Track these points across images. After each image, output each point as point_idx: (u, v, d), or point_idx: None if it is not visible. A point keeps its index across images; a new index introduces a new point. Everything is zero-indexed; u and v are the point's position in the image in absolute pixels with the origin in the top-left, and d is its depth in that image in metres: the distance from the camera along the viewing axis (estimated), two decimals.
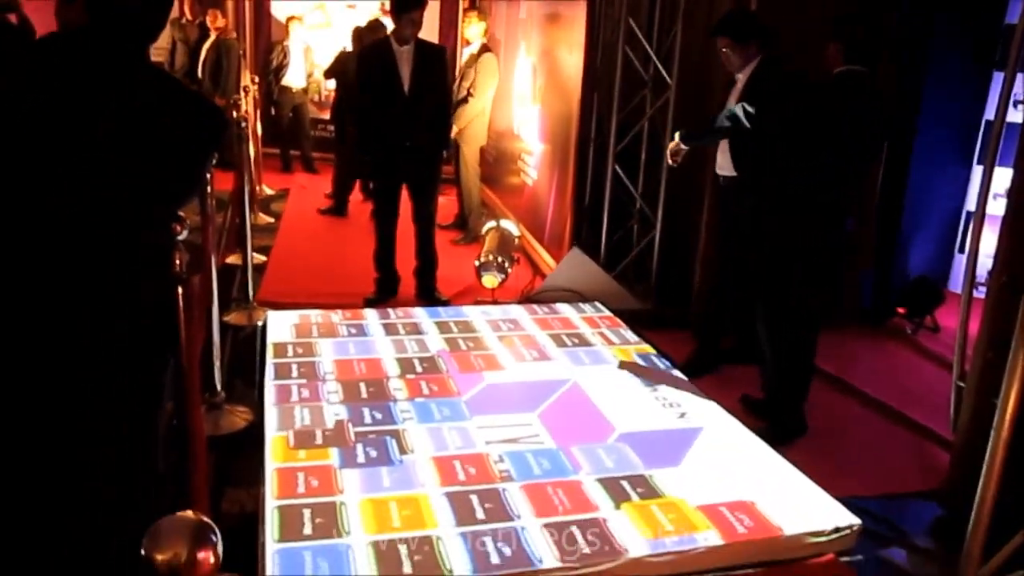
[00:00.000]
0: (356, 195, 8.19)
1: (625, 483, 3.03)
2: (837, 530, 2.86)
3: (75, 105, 1.93)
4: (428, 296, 5.31)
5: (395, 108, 5.00)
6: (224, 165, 5.23)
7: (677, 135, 4.24)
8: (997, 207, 3.67)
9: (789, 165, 3.69)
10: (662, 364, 4.18)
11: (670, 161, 4.33)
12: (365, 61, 5.24)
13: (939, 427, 3.81)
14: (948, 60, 5.20)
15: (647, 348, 4.40)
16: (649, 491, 2.99)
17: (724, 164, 4.25)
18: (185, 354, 2.38)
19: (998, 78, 5.18)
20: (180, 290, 2.36)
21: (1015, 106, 3.92)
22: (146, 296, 2.10)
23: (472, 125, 6.75)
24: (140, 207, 2.04)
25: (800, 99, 3.73)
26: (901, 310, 5.36)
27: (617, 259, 5.64)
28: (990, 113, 5.42)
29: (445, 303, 5.23)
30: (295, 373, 3.80)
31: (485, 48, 6.80)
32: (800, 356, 3.78)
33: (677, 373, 4.06)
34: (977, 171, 5.55)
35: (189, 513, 1.16)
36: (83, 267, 1.97)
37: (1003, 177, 3.98)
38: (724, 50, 4.09)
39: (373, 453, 3.14)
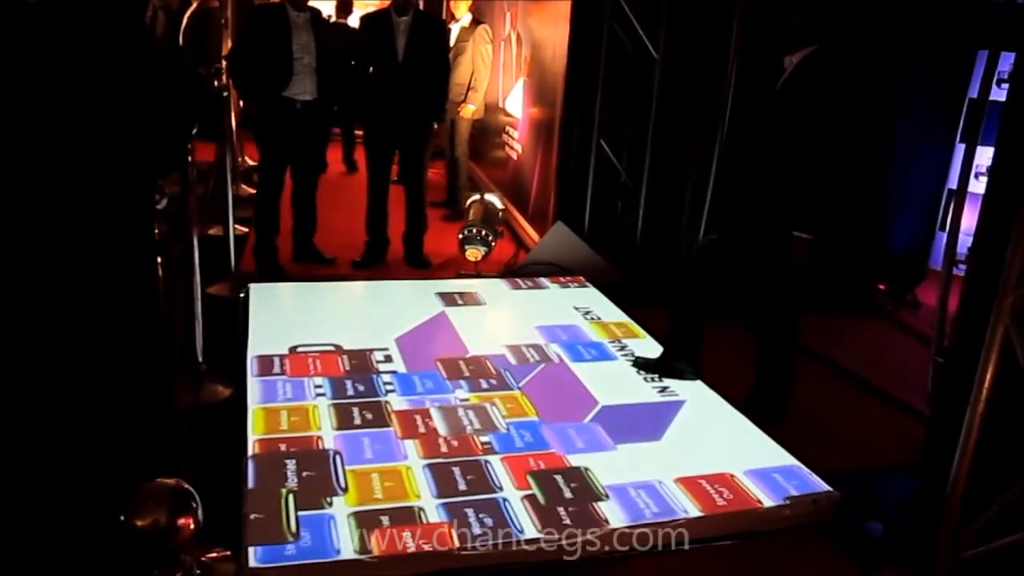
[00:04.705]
0: (339, 167, 8.14)
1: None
2: (815, 502, 2.90)
3: (52, 73, 1.90)
4: (416, 259, 5.42)
5: (388, 77, 5.08)
6: (206, 135, 5.16)
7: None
8: (979, 185, 3.68)
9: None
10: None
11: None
12: (363, 30, 5.32)
13: (917, 401, 3.85)
14: (932, 38, 5.20)
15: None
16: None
17: None
18: (166, 324, 2.36)
19: (982, 56, 5.18)
20: (160, 260, 2.34)
21: (999, 84, 3.92)
22: (125, 266, 2.09)
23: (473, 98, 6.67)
24: (119, 177, 2.02)
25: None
26: (882, 286, 5.39)
27: (601, 233, 5.64)
28: (974, 91, 5.42)
29: (427, 264, 5.42)
30: (277, 345, 3.78)
31: (477, 20, 6.72)
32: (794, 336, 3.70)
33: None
34: (960, 149, 5.56)
35: (169, 480, 1.16)
36: (60, 237, 1.95)
37: (985, 155, 4.00)
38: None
39: (357, 422, 3.15)
